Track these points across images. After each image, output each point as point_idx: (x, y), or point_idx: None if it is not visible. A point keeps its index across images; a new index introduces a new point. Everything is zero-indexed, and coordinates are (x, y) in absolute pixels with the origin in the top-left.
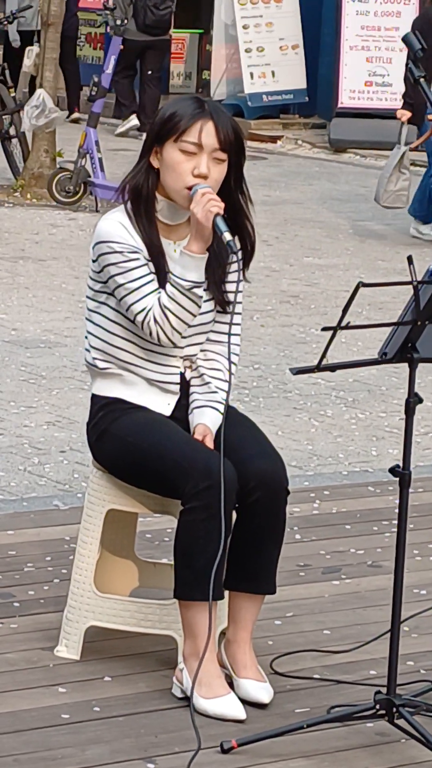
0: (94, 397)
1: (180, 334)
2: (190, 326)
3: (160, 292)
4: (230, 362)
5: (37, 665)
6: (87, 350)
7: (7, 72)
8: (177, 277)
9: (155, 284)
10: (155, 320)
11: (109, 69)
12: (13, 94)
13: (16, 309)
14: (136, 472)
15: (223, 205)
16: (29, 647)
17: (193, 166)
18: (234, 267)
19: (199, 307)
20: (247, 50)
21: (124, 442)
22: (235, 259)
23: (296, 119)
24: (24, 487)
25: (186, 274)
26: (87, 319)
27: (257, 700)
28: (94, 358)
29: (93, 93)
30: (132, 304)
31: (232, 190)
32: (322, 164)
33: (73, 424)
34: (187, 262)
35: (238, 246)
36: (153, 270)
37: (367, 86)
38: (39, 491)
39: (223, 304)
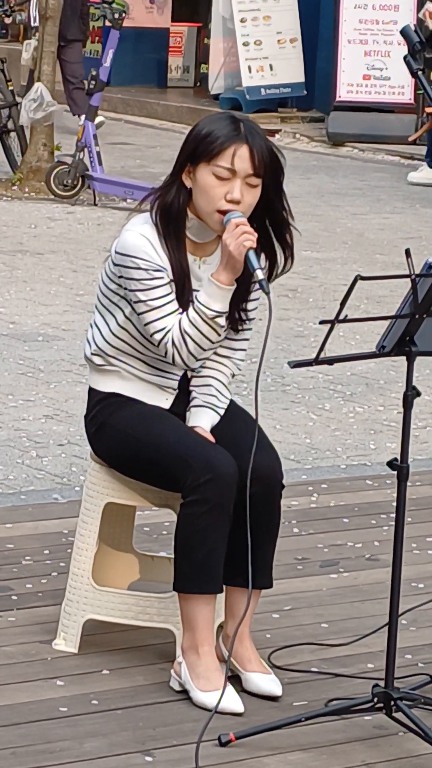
0: (91, 390)
1: (195, 358)
2: (206, 351)
3: (180, 314)
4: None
5: (35, 658)
6: (87, 342)
7: (5, 65)
8: (201, 304)
9: (176, 305)
10: (173, 343)
11: (108, 62)
12: (11, 88)
13: (14, 302)
14: (136, 465)
15: (256, 237)
16: (27, 640)
17: (226, 191)
18: (256, 286)
19: (220, 336)
20: (245, 44)
21: (123, 435)
22: (259, 290)
23: (294, 113)
24: (22, 481)
25: (211, 304)
26: (96, 310)
27: (270, 693)
28: (93, 354)
29: (91, 86)
30: (151, 321)
31: (272, 205)
32: (320, 158)
33: (71, 417)
34: (213, 292)
35: (269, 288)
36: (175, 289)
37: (365, 80)
38: (37, 485)
39: (237, 325)
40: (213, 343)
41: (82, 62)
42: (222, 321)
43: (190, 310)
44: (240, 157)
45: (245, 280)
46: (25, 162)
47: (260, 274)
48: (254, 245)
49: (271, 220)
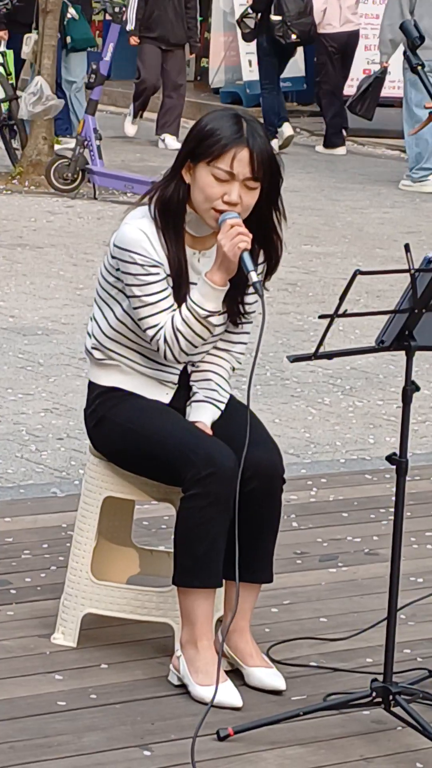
0: (91, 384)
1: (187, 355)
2: (197, 348)
3: (174, 311)
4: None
5: (33, 652)
6: (88, 335)
7: (7, 59)
8: (195, 303)
9: (171, 301)
10: (165, 339)
11: (108, 56)
12: (11, 81)
13: (13, 296)
14: (136, 459)
15: (250, 238)
16: (26, 634)
17: (223, 192)
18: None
19: (212, 334)
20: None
21: (123, 429)
22: (254, 290)
23: (294, 107)
24: (21, 475)
25: (204, 303)
26: (96, 303)
27: (274, 687)
28: (93, 347)
29: (91, 80)
30: (145, 317)
31: (265, 206)
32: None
33: (70, 411)
34: (206, 291)
35: (263, 291)
36: (172, 284)
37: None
38: (36, 478)
39: (236, 318)
40: (204, 340)
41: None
42: (215, 320)
43: (183, 308)
44: (240, 160)
45: (243, 274)
46: (25, 156)
47: (254, 276)
48: (249, 247)
49: (262, 225)
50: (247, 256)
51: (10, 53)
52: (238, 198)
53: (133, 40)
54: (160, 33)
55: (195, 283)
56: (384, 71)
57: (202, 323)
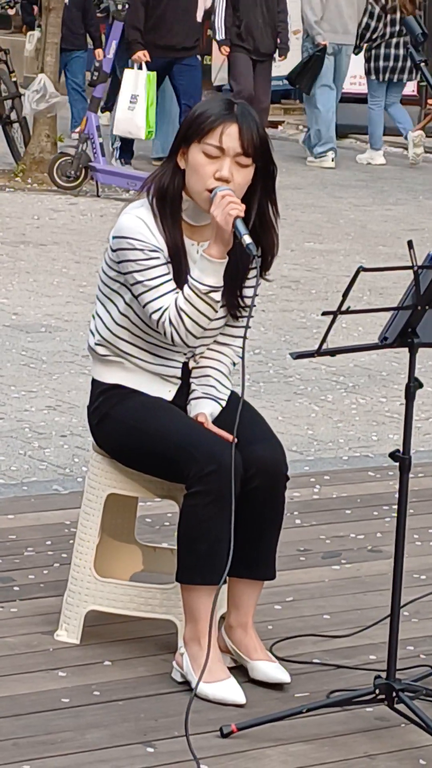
0: (94, 381)
1: (194, 336)
2: (205, 329)
3: (177, 293)
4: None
5: (36, 649)
6: (91, 333)
7: (9, 57)
8: (195, 280)
9: (173, 284)
10: (170, 321)
11: (111, 54)
12: (14, 79)
13: (16, 294)
14: (139, 456)
15: (243, 207)
16: (29, 631)
17: (215, 169)
18: (252, 273)
19: (216, 311)
20: None
21: (126, 426)
22: (254, 264)
23: (297, 104)
24: (24, 472)
25: (204, 278)
26: (98, 300)
27: (278, 680)
28: (96, 344)
29: (94, 78)
30: (149, 302)
31: (260, 198)
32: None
33: (73, 408)
34: (205, 266)
35: (258, 251)
36: (172, 270)
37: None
38: (39, 475)
39: (236, 311)
40: (210, 319)
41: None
42: (217, 296)
43: (185, 287)
44: (229, 135)
45: (242, 264)
46: (28, 153)
47: (247, 239)
48: (241, 214)
49: (259, 217)
50: (240, 223)
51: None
52: (229, 173)
53: (224, 50)
54: (251, 43)
55: None
56: (323, 49)
57: (205, 300)
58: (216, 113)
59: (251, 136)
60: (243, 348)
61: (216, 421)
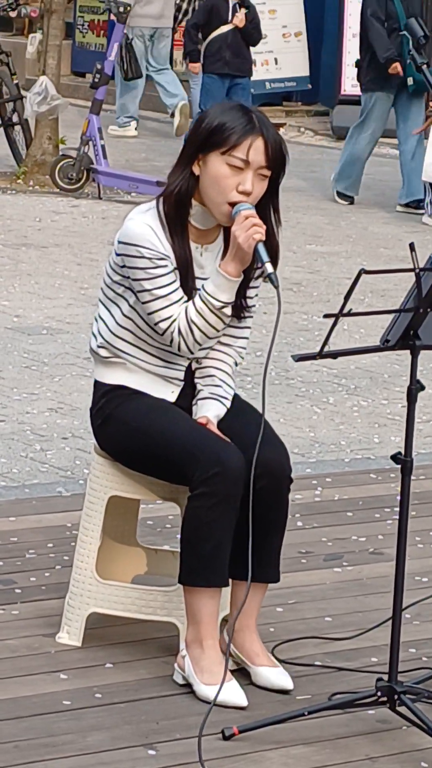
0: (97, 383)
1: (200, 345)
2: (210, 338)
3: (185, 302)
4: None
5: (38, 652)
6: (93, 335)
7: (10, 59)
8: (209, 295)
9: (181, 293)
10: (179, 331)
11: (112, 56)
12: (16, 81)
13: (18, 296)
14: (142, 458)
15: (264, 229)
16: (31, 634)
17: (238, 182)
18: (257, 273)
19: (225, 325)
20: None
21: (129, 428)
22: (274, 285)
23: (299, 107)
24: (26, 474)
25: (219, 294)
26: (101, 302)
27: (281, 686)
28: (99, 347)
29: (96, 80)
30: (157, 310)
31: (265, 204)
32: (325, 151)
33: (75, 410)
34: (221, 283)
35: (278, 282)
36: (179, 277)
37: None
38: (41, 478)
39: (239, 312)
40: (218, 331)
41: None
42: (228, 311)
43: (197, 299)
44: (256, 149)
45: (247, 268)
46: (29, 155)
47: (269, 268)
48: (263, 238)
49: (262, 218)
50: (261, 248)
51: None
52: (251, 187)
53: None
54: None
55: (199, 277)
56: None
57: (217, 314)
58: (240, 126)
59: (275, 148)
60: (265, 373)
61: (221, 424)
